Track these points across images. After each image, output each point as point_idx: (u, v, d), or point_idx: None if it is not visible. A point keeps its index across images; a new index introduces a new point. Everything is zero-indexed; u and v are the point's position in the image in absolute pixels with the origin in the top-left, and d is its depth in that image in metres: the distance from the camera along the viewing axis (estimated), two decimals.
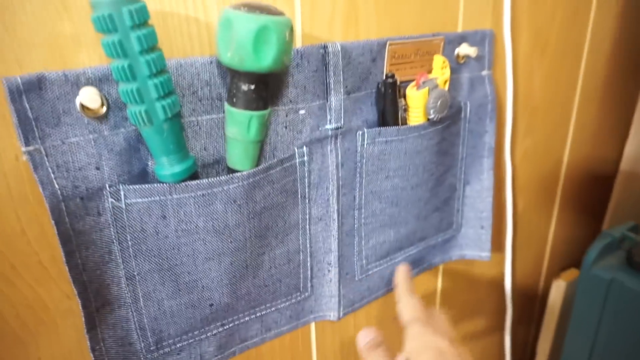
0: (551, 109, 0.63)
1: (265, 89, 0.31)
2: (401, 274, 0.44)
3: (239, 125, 0.32)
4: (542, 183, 0.67)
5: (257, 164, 0.35)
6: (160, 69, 0.28)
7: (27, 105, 0.27)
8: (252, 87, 0.31)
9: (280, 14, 0.30)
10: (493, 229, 0.54)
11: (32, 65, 0.27)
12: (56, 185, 0.29)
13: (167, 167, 0.31)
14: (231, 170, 0.34)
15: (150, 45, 0.27)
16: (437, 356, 0.34)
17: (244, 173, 0.34)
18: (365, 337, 0.39)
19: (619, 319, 0.49)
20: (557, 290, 0.65)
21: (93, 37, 0.28)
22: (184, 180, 0.32)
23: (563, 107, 0.65)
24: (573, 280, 0.65)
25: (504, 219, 0.61)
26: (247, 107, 0.31)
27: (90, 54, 0.29)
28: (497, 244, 0.63)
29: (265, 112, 0.32)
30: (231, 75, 0.31)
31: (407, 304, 0.39)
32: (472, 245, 0.54)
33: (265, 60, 0.29)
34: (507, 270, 0.62)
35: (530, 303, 0.76)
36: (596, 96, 0.69)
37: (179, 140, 0.30)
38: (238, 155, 0.33)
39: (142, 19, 0.26)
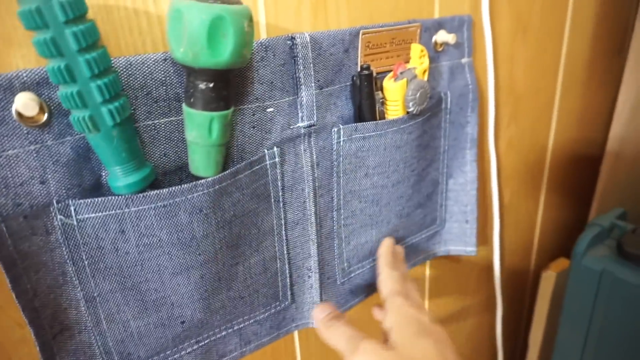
0: (534, 94, 0.61)
1: (225, 86, 0.29)
2: (384, 247, 0.43)
3: (199, 128, 0.29)
4: (528, 171, 0.65)
5: (224, 169, 0.32)
6: (103, 69, 0.25)
7: None
8: (211, 85, 0.28)
9: (236, 2, 0.27)
10: (479, 221, 0.52)
11: None
12: None
13: (120, 177, 0.28)
14: (195, 178, 0.31)
15: (90, 42, 0.24)
16: (421, 330, 0.32)
17: (209, 180, 0.31)
18: (322, 312, 0.37)
19: (611, 310, 0.48)
20: (547, 282, 0.64)
21: (25, 34, 0.25)
22: (141, 191, 0.29)
23: (546, 92, 0.63)
24: (563, 271, 0.64)
25: (490, 210, 0.59)
26: (207, 107, 0.28)
27: (24, 54, 0.26)
28: (484, 237, 0.61)
29: (227, 112, 0.29)
30: (187, 72, 0.28)
31: (387, 277, 0.38)
32: (456, 240, 0.52)
33: (222, 55, 0.26)
34: (495, 262, 0.61)
35: (521, 294, 0.75)
36: (579, 79, 0.67)
37: (132, 148, 0.27)
38: (200, 161, 0.30)
39: (77, 12, 0.23)
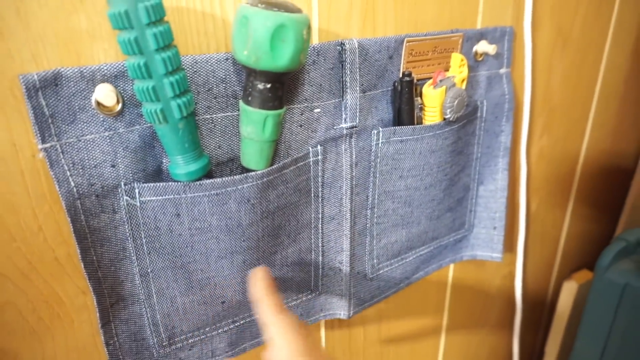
0: (569, 106, 0.61)
1: (281, 88, 0.31)
2: (260, 282, 0.33)
3: (254, 125, 0.31)
4: (557, 183, 0.66)
5: (272, 163, 0.34)
6: (175, 67, 0.27)
7: (43, 102, 0.27)
8: (268, 86, 0.30)
9: (298, 11, 0.29)
10: (505, 229, 0.53)
11: (47, 61, 0.27)
12: (72, 183, 0.29)
13: (181, 166, 0.30)
14: (245, 169, 0.34)
15: (167, 43, 0.26)
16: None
17: (258, 172, 0.33)
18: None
19: (631, 324, 0.49)
20: (569, 292, 0.64)
21: (109, 31, 0.28)
22: (198, 179, 0.31)
23: (582, 105, 0.63)
24: (585, 282, 0.64)
25: (516, 219, 0.60)
26: (263, 106, 0.31)
27: (106, 49, 0.28)
28: (509, 244, 0.62)
29: (281, 111, 0.32)
30: (247, 73, 0.31)
31: (280, 329, 0.30)
32: (483, 245, 0.54)
33: (282, 60, 0.29)
34: (518, 271, 0.62)
35: (540, 304, 0.76)
36: (617, 93, 0.67)
37: (193, 139, 0.30)
38: (252, 155, 0.33)
39: (158, 16, 0.26)
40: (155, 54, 0.26)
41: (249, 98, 0.31)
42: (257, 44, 0.28)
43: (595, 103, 0.65)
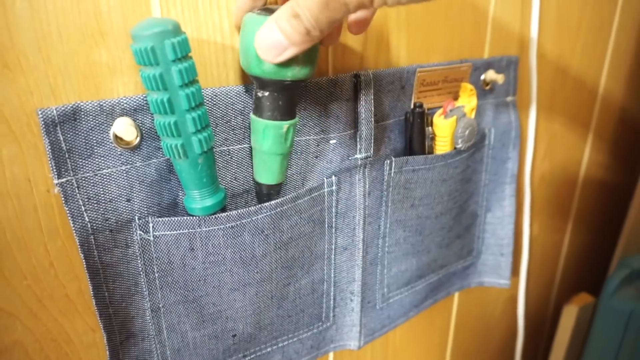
0: (569, 132, 0.62)
1: (279, 98, 0.30)
2: None
3: (256, 134, 0.31)
4: (557, 207, 0.66)
5: (282, 180, 0.33)
6: (198, 103, 0.27)
7: (61, 137, 0.26)
8: (266, 94, 0.29)
9: None
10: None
11: (66, 95, 0.26)
12: (86, 218, 0.28)
13: (197, 200, 0.30)
14: (260, 191, 0.33)
15: (191, 79, 0.26)
16: None
17: (272, 203, 0.33)
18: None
19: (638, 354, 0.49)
20: (569, 315, 0.65)
21: (129, 65, 0.28)
22: (213, 214, 0.31)
23: (580, 130, 0.64)
24: (585, 306, 0.64)
25: (519, 243, 0.60)
26: (260, 114, 0.30)
27: (125, 82, 0.28)
28: (513, 267, 0.62)
29: (279, 123, 0.30)
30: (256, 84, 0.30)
31: None
32: (490, 272, 0.54)
33: (267, 65, 0.27)
34: (520, 295, 0.62)
35: (540, 327, 0.76)
36: (613, 118, 0.68)
37: (212, 174, 0.30)
38: (257, 165, 0.32)
39: (184, 52, 0.25)
40: (179, 90, 0.26)
41: (254, 106, 0.31)
42: (245, 48, 0.28)
43: (593, 128, 0.66)
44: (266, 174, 0.32)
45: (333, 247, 0.39)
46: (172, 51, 0.25)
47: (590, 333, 0.54)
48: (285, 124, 0.30)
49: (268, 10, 0.28)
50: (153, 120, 0.28)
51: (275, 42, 0.24)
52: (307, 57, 0.28)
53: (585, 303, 0.66)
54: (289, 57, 0.25)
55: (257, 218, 0.33)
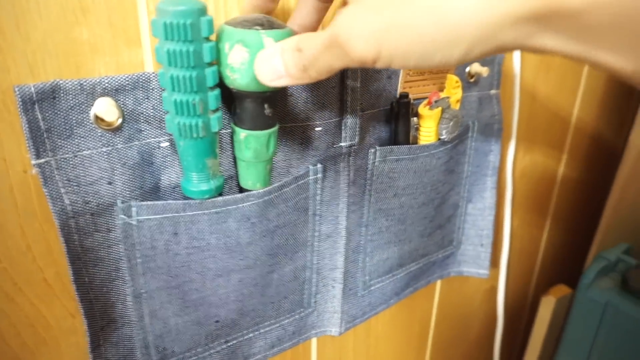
0: (549, 128, 0.64)
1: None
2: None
3: (237, 143, 0.31)
4: (536, 201, 0.68)
5: (268, 185, 0.33)
6: (218, 82, 0.27)
7: (39, 116, 0.25)
8: (245, 104, 0.29)
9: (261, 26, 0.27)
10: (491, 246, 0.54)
11: (45, 73, 0.26)
12: (66, 201, 0.27)
13: (195, 183, 0.29)
14: (244, 189, 0.33)
15: (215, 57, 0.26)
16: None
17: (260, 191, 0.33)
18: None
19: (612, 342, 0.51)
20: (547, 306, 0.66)
21: (110, 43, 0.27)
22: (209, 198, 0.31)
23: (560, 127, 0.66)
24: (562, 297, 0.66)
25: (500, 236, 0.61)
26: (241, 124, 0.30)
27: (107, 62, 0.27)
28: (493, 259, 0.64)
29: (260, 133, 0.30)
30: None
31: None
32: (470, 262, 0.55)
33: (244, 81, 0.28)
34: (500, 285, 0.63)
35: (518, 317, 0.78)
36: (592, 116, 0.70)
37: (216, 155, 0.29)
38: (241, 173, 0.32)
39: (212, 31, 0.25)
40: (207, 68, 0.26)
41: (234, 116, 0.31)
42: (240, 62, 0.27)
43: (572, 126, 0.68)
44: (252, 180, 0.32)
45: (317, 234, 0.40)
46: (207, 28, 0.25)
47: (567, 323, 0.55)
48: (266, 133, 0.30)
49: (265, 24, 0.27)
50: (135, 101, 0.28)
51: (274, 67, 0.25)
52: None
53: (562, 294, 0.68)
54: (283, 85, 0.26)
55: (244, 206, 0.32)
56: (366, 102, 0.39)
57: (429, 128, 0.42)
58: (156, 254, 0.31)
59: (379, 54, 0.20)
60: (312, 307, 0.43)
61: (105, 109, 0.27)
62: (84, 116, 0.27)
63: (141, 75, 0.28)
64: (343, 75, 0.36)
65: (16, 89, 0.24)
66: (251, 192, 0.32)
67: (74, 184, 0.27)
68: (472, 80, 0.47)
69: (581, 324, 0.53)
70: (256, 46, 0.27)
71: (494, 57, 0.49)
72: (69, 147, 0.27)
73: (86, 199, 0.28)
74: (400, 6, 0.19)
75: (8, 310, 0.28)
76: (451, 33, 0.18)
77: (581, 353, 0.54)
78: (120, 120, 0.28)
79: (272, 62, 0.25)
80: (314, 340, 0.47)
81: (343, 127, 0.37)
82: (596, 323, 0.51)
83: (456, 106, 0.44)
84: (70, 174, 0.27)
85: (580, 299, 0.53)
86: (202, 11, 0.25)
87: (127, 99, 0.28)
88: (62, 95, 0.26)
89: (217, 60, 0.27)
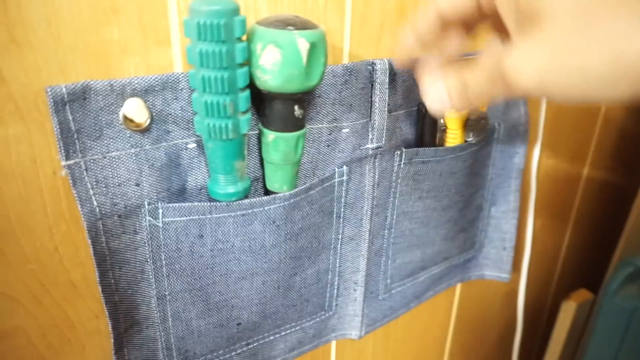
0: (574, 129, 0.62)
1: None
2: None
3: (265, 145, 0.31)
4: (559, 202, 0.66)
5: (294, 187, 0.33)
6: (248, 83, 0.27)
7: (70, 117, 0.25)
8: (275, 106, 0.29)
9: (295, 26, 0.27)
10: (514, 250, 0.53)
11: (75, 74, 0.25)
12: (95, 202, 0.27)
13: (222, 185, 0.29)
14: (270, 192, 0.33)
15: (246, 58, 0.26)
16: None
17: (286, 194, 0.32)
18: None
19: (639, 351, 0.49)
20: (567, 311, 0.65)
21: (141, 44, 0.27)
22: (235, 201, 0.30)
23: (585, 128, 0.64)
24: (583, 302, 0.65)
25: (522, 239, 0.60)
26: (269, 126, 0.30)
27: (136, 62, 0.27)
28: (514, 262, 0.62)
29: (266, 132, 0.30)
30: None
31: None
32: (492, 265, 0.54)
33: (273, 81, 0.27)
34: (520, 289, 0.62)
35: (538, 322, 0.76)
36: (618, 118, 0.68)
37: (244, 158, 0.29)
38: (268, 175, 0.32)
39: (244, 32, 0.25)
40: (238, 69, 0.25)
41: (263, 118, 0.31)
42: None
43: (598, 127, 0.66)
44: (279, 183, 0.32)
45: (340, 237, 0.39)
46: (240, 29, 0.24)
47: (591, 330, 0.54)
48: (295, 135, 0.30)
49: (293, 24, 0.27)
50: (164, 102, 0.27)
51: (441, 98, 0.26)
52: (316, 70, 0.28)
53: (583, 299, 0.66)
54: (448, 110, 0.28)
55: (270, 208, 0.32)
56: (393, 102, 0.38)
57: (455, 130, 0.41)
58: (181, 256, 0.31)
59: (544, 88, 0.21)
60: (333, 310, 0.42)
61: (135, 109, 0.26)
62: (114, 117, 0.26)
63: (170, 76, 0.27)
64: (371, 75, 0.35)
65: (48, 90, 0.24)
66: (278, 195, 0.32)
67: (102, 185, 0.27)
68: None
69: (607, 331, 0.52)
70: (289, 47, 0.26)
71: None
72: (98, 148, 0.26)
73: (114, 200, 0.28)
74: (574, 46, 0.19)
75: (35, 312, 0.28)
76: (624, 72, 0.18)
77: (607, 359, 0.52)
78: (148, 121, 0.27)
79: (439, 93, 0.26)
80: (333, 343, 0.47)
81: (370, 129, 0.37)
82: (622, 330, 0.50)
83: (483, 108, 0.43)
84: (99, 175, 0.27)
85: (606, 306, 0.52)
86: (236, 11, 0.24)
87: (156, 100, 0.27)
88: (92, 95, 0.25)
89: (248, 60, 0.26)
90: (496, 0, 0.23)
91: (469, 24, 0.28)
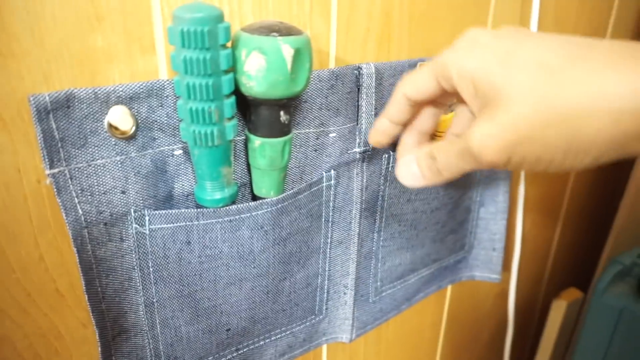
0: None
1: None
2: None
3: (252, 151, 0.31)
4: (548, 203, 0.67)
5: (282, 192, 0.33)
6: (233, 90, 0.27)
7: (53, 125, 0.25)
8: (261, 112, 0.29)
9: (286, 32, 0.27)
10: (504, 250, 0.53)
11: (59, 82, 0.25)
12: (80, 211, 0.27)
13: (209, 192, 0.29)
14: (258, 197, 0.33)
15: (231, 65, 0.26)
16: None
17: (274, 199, 0.32)
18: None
19: (628, 348, 0.50)
20: (558, 310, 0.66)
21: (125, 51, 0.26)
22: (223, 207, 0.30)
23: None
24: (574, 301, 0.66)
25: (512, 239, 0.61)
26: (255, 132, 0.30)
27: (121, 69, 0.27)
28: (504, 263, 0.63)
29: (252, 138, 0.30)
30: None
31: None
32: (482, 266, 0.54)
33: (257, 88, 0.28)
34: (511, 289, 0.62)
35: (529, 322, 0.77)
36: None
37: (230, 164, 0.29)
38: (256, 181, 0.32)
39: (229, 38, 0.25)
40: (223, 76, 0.25)
41: (249, 123, 0.31)
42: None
43: None
44: (266, 188, 0.32)
45: (329, 240, 0.39)
46: (224, 36, 0.24)
47: (581, 329, 0.55)
48: (282, 140, 0.30)
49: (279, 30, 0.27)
50: (149, 109, 0.27)
51: (412, 172, 0.28)
52: (301, 76, 0.28)
53: (573, 298, 0.67)
54: (420, 186, 0.28)
55: (258, 213, 0.32)
56: (380, 106, 0.38)
57: (443, 132, 0.42)
58: (168, 263, 0.31)
59: (510, 160, 0.22)
60: (323, 314, 0.43)
61: (120, 117, 0.26)
62: (98, 125, 0.26)
63: (155, 83, 0.27)
64: (358, 79, 0.35)
65: (31, 98, 0.24)
66: (265, 200, 0.32)
67: (88, 193, 0.27)
68: None
69: (596, 330, 0.52)
70: (273, 53, 0.26)
71: None
72: (82, 156, 0.26)
73: (100, 208, 0.27)
74: (534, 124, 0.21)
75: (21, 322, 0.28)
76: (583, 146, 0.20)
77: (596, 358, 0.53)
78: (134, 129, 0.27)
79: (410, 168, 0.28)
80: (324, 347, 0.47)
81: (357, 133, 0.37)
82: (611, 329, 0.50)
83: None
84: (84, 183, 0.27)
85: (595, 305, 0.52)
86: (220, 18, 0.24)
87: (141, 107, 0.27)
88: (76, 104, 0.25)
89: (233, 67, 0.27)
90: (457, 86, 0.25)
91: (438, 102, 0.30)
